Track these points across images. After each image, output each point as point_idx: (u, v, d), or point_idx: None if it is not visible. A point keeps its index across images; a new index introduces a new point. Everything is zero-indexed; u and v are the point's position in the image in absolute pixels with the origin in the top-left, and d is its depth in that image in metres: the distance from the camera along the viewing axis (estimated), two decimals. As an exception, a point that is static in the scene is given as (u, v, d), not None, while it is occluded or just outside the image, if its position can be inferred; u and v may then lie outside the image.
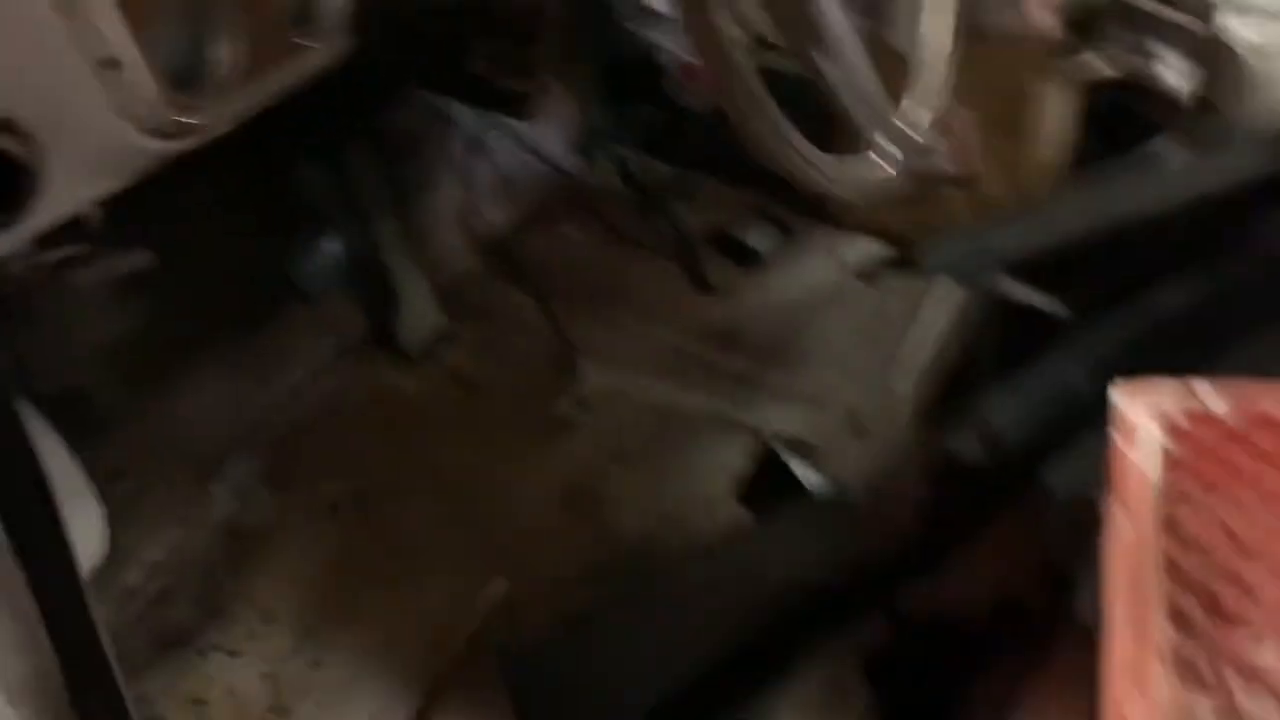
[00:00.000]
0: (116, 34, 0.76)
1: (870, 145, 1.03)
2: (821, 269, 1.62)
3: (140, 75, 0.78)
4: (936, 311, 1.48)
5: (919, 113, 1.07)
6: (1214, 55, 1.39)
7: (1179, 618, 0.74)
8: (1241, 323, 1.11)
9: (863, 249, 1.62)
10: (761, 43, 1.01)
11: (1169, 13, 1.40)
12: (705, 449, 1.39)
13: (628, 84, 1.69)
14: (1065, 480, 1.03)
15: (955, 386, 1.29)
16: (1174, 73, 1.37)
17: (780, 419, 1.39)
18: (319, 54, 0.96)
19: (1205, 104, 1.43)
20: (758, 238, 1.64)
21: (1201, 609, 0.74)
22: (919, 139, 1.05)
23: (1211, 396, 0.88)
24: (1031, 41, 1.35)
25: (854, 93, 0.99)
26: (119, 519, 1.04)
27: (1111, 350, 1.08)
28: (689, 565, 1.15)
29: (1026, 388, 1.08)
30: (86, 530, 0.98)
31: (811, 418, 1.39)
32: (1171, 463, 0.83)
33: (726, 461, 1.36)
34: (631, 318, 1.57)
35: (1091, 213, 1.28)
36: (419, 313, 1.57)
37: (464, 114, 1.58)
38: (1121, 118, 1.45)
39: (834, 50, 0.97)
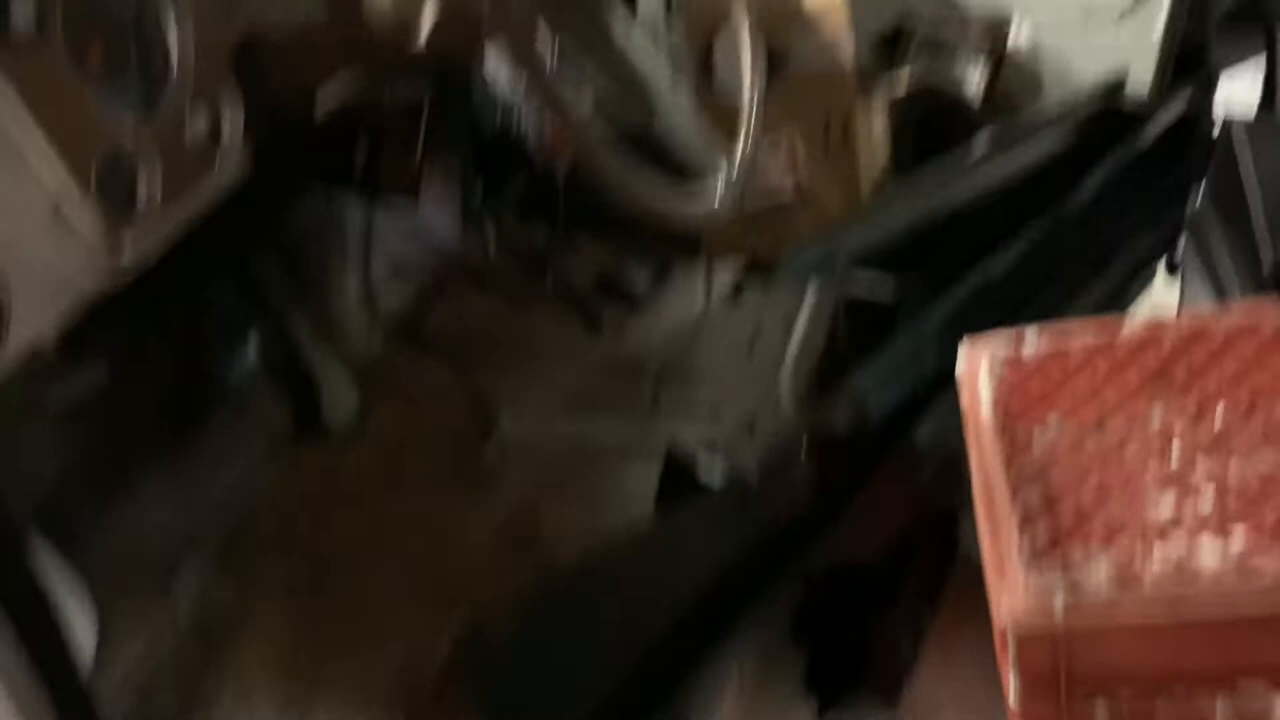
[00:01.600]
0: (59, 179, 0.88)
1: (709, 174, 1.20)
2: (700, 297, 1.78)
3: (85, 214, 0.90)
4: (807, 320, 1.65)
5: (748, 143, 1.25)
6: (1007, 66, 1.62)
7: (1024, 515, 0.91)
8: (1058, 271, 1.30)
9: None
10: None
11: (964, 32, 1.62)
12: (623, 473, 1.53)
13: (499, 159, 1.83)
14: (930, 436, 1.20)
15: (827, 376, 1.45)
16: (969, 83, 1.60)
17: (683, 433, 1.54)
18: (226, 172, 1.09)
19: (1004, 102, 1.65)
20: (636, 277, 1.80)
21: (1038, 502, 0.91)
22: (749, 165, 1.22)
23: (1031, 339, 1.06)
24: (836, 75, 1.56)
25: (685, 132, 1.16)
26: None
27: (953, 319, 1.25)
28: (606, 561, 1.27)
29: (884, 364, 1.25)
30: (82, 632, 1.06)
31: (710, 428, 1.54)
32: (1002, 391, 1.00)
33: (645, 480, 1.50)
34: (536, 367, 1.70)
35: (919, 205, 1.46)
36: (340, 397, 1.68)
37: (354, 203, 1.71)
38: (933, 125, 1.66)
39: (661, 100, 1.13)
